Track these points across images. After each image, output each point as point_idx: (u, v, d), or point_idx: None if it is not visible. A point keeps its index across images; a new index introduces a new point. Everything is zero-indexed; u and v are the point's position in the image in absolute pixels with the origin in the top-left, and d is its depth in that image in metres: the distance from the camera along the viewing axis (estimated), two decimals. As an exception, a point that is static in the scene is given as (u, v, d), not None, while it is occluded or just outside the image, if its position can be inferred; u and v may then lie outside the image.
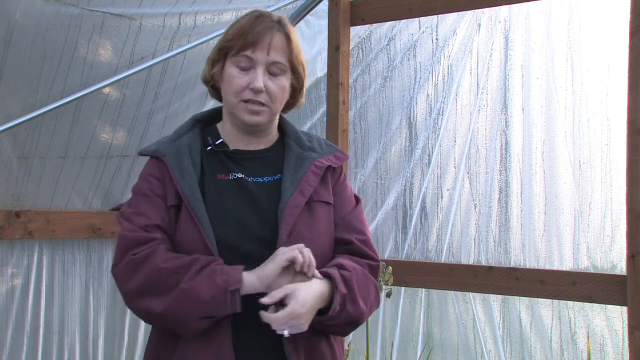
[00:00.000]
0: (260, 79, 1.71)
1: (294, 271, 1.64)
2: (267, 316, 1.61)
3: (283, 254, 1.62)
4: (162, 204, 1.72)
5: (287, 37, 1.75)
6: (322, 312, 1.67)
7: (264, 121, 1.76)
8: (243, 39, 1.73)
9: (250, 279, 1.62)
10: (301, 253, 1.62)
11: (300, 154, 1.79)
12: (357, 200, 1.87)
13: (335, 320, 1.67)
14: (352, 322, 1.72)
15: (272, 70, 1.74)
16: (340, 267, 1.72)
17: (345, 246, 1.78)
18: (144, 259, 1.64)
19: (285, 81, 1.76)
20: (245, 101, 1.72)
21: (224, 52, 1.77)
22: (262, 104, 1.73)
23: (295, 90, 1.83)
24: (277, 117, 1.84)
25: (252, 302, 1.66)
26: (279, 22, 1.76)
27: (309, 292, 1.63)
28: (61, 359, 3.06)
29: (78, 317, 3.12)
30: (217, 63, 1.79)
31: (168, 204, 1.72)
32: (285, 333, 1.61)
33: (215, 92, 1.85)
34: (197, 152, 1.77)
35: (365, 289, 1.74)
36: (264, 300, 1.61)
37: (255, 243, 1.67)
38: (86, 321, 3.15)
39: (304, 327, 1.63)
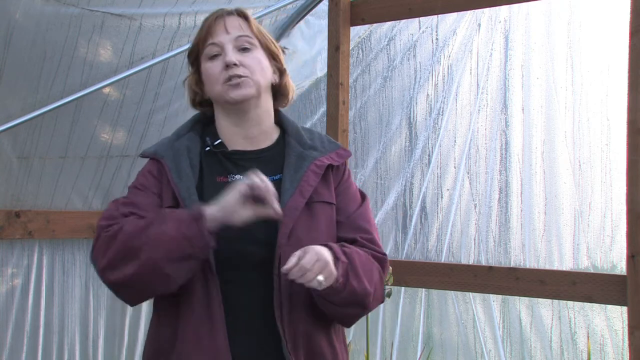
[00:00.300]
0: (230, 53, 1.72)
1: (253, 201, 1.61)
2: (292, 263, 1.56)
3: (242, 182, 1.61)
4: (156, 199, 1.72)
5: (242, 16, 1.78)
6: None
7: (250, 93, 1.73)
8: (202, 32, 1.77)
9: (212, 209, 1.60)
10: (260, 180, 1.60)
11: (300, 153, 1.77)
12: (363, 197, 1.84)
13: (340, 294, 1.63)
14: (358, 302, 1.68)
15: (240, 46, 1.74)
16: (341, 245, 1.70)
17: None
18: (115, 232, 1.63)
19: (258, 54, 1.76)
20: (226, 81, 1.72)
21: (194, 56, 1.79)
22: (241, 76, 1.72)
23: (279, 71, 1.82)
24: (269, 101, 1.82)
25: (252, 302, 1.66)
26: (229, 10, 1.79)
27: (321, 248, 1.60)
28: (61, 359, 3.06)
29: (78, 317, 3.12)
30: (194, 71, 1.81)
31: (164, 205, 1.71)
32: (323, 282, 1.56)
33: (207, 107, 1.84)
34: (196, 154, 1.76)
35: (369, 271, 1.71)
36: (284, 268, 1.57)
37: (254, 245, 1.67)
38: (86, 321, 3.15)
39: (333, 273, 1.59)
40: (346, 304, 1.67)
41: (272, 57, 1.80)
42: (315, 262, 1.56)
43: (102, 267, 1.65)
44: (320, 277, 1.56)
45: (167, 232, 1.58)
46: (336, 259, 1.62)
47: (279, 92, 1.84)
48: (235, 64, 1.71)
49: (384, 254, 1.79)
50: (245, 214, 1.60)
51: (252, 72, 1.73)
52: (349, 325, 1.82)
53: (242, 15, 1.79)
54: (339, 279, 1.61)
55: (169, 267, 1.58)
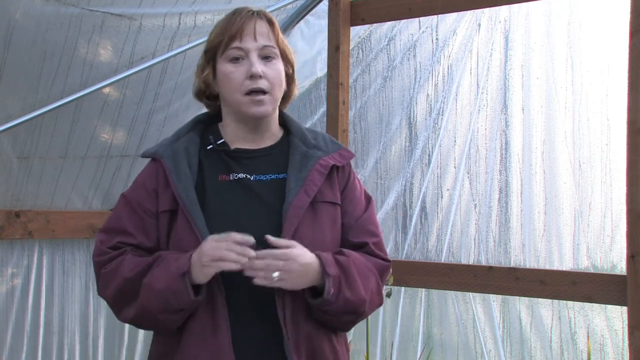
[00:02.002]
0: (256, 64, 1.71)
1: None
2: (280, 242, 1.61)
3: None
4: (146, 218, 1.73)
5: (270, 22, 1.76)
6: (318, 296, 1.66)
7: (269, 111, 1.75)
8: (228, 32, 1.73)
9: (194, 257, 1.62)
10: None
11: (305, 152, 1.77)
12: (369, 200, 1.85)
13: (333, 305, 1.65)
14: (352, 311, 1.70)
15: (264, 55, 1.73)
16: (338, 252, 1.71)
17: (359, 249, 1.77)
18: (112, 272, 1.70)
19: (280, 65, 1.76)
20: (248, 93, 1.71)
21: (211, 54, 1.77)
22: (264, 92, 1.72)
23: (288, 78, 1.82)
24: (277, 109, 1.82)
25: (255, 302, 1.66)
26: (258, 12, 1.77)
27: (306, 254, 1.64)
28: (61, 359, 3.06)
29: (78, 317, 3.12)
30: (206, 67, 1.78)
31: (161, 209, 1.72)
32: (275, 275, 1.59)
33: (212, 102, 1.84)
34: (195, 154, 1.76)
35: (366, 278, 1.72)
36: (269, 237, 1.61)
37: (257, 244, 1.66)
38: (86, 321, 3.15)
39: (295, 282, 1.62)
40: (340, 313, 1.69)
41: (286, 63, 1.80)
42: (282, 260, 1.60)
43: (110, 305, 1.77)
44: (275, 274, 1.60)
45: (155, 285, 1.62)
46: (326, 273, 1.64)
47: (285, 96, 1.84)
48: (260, 76, 1.71)
49: (389, 261, 1.81)
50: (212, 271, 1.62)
51: (273, 87, 1.73)
52: (345, 331, 1.84)
53: (270, 21, 1.77)
54: (329, 290, 1.64)
55: (162, 316, 1.64)
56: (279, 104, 1.80)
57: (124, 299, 1.69)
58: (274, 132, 1.83)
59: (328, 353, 1.72)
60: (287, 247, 1.62)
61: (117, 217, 1.76)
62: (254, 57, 1.71)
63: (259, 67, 1.70)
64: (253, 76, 1.70)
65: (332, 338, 1.76)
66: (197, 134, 1.81)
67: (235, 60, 1.72)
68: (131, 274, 1.66)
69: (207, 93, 1.82)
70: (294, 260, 1.61)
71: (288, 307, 1.66)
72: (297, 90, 1.89)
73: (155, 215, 1.73)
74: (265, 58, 1.73)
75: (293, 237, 1.66)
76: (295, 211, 1.68)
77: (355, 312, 1.71)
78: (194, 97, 1.86)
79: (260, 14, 1.76)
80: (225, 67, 1.73)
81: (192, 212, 1.66)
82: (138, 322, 1.72)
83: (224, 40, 1.73)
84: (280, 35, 1.78)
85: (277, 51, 1.75)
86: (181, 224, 1.68)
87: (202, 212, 1.67)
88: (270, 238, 1.61)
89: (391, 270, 2.67)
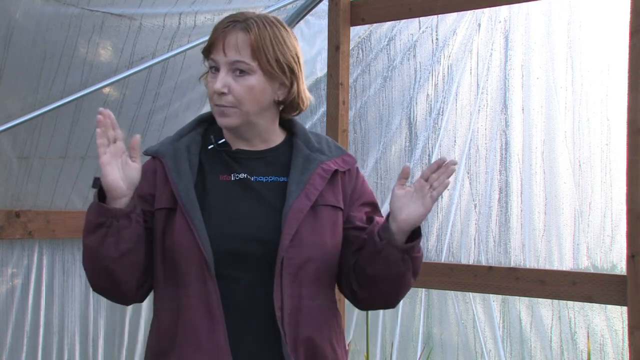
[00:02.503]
0: (219, 80, 1.68)
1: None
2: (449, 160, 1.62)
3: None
4: (149, 199, 1.72)
5: (247, 34, 1.67)
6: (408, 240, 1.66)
7: (235, 123, 1.71)
8: (209, 41, 1.72)
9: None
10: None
11: (308, 156, 1.76)
12: (375, 207, 1.85)
13: (418, 254, 1.66)
14: (416, 272, 1.70)
15: (235, 69, 1.68)
16: None
17: None
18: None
19: (253, 80, 1.69)
20: (216, 105, 1.70)
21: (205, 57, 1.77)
22: (229, 106, 1.69)
23: (285, 86, 1.75)
24: (272, 115, 1.78)
25: (252, 303, 1.66)
26: (242, 21, 1.69)
27: None
28: (61, 359, 3.06)
29: (78, 317, 3.12)
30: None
31: (157, 207, 1.71)
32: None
33: None
34: (196, 154, 1.75)
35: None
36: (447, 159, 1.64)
37: (255, 244, 1.65)
38: (86, 321, 3.15)
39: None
40: (414, 270, 1.68)
41: (281, 72, 1.72)
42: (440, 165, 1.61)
43: (87, 276, 1.77)
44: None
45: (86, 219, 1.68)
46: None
47: (287, 105, 1.79)
48: (223, 92, 1.67)
49: None
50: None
51: (240, 102, 1.68)
52: (393, 304, 1.81)
53: (246, 29, 1.68)
54: (420, 235, 1.65)
55: (87, 240, 1.68)
56: (257, 113, 1.73)
57: (85, 262, 1.73)
58: (269, 138, 1.79)
59: (327, 354, 1.72)
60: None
61: None
62: (222, 72, 1.68)
63: (220, 83, 1.67)
64: (215, 92, 1.68)
65: (332, 340, 1.75)
66: (199, 133, 1.81)
67: (212, 70, 1.72)
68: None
69: None
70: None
71: (286, 307, 1.65)
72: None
73: (151, 200, 1.72)
74: (238, 72, 1.68)
75: (293, 239, 1.66)
76: (295, 214, 1.67)
77: (416, 273, 1.70)
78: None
79: (240, 25, 1.68)
80: (207, 75, 1.75)
81: (191, 211, 1.66)
82: (90, 275, 1.72)
83: (206, 48, 1.73)
84: (262, 41, 1.68)
85: (251, 66, 1.68)
86: (179, 222, 1.67)
87: (201, 211, 1.67)
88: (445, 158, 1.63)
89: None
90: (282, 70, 1.71)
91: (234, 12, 1.77)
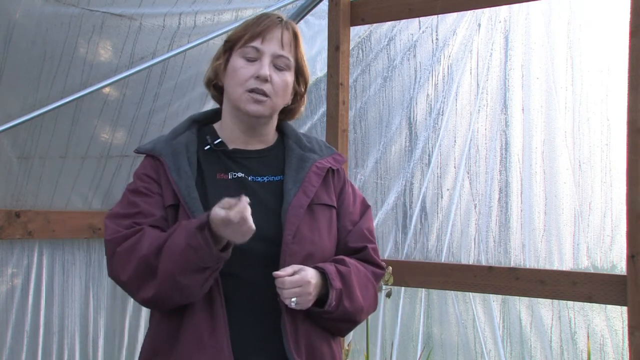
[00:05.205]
0: (266, 67, 1.73)
1: None
2: (281, 277, 1.62)
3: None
4: (160, 201, 1.71)
5: (295, 36, 1.79)
6: (319, 305, 1.69)
7: (266, 112, 1.75)
8: (252, 30, 1.75)
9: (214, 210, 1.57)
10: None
11: (301, 155, 1.80)
12: (367, 206, 1.88)
13: (333, 314, 1.69)
14: (349, 319, 1.74)
15: (277, 64, 1.75)
16: (339, 261, 1.73)
17: (357, 254, 1.80)
18: (129, 249, 1.63)
19: (289, 77, 1.77)
20: (250, 91, 1.73)
21: (230, 45, 1.78)
22: (265, 95, 1.73)
23: (297, 95, 1.84)
24: (276, 116, 1.84)
25: (254, 300, 1.66)
26: (287, 22, 1.80)
27: (313, 276, 1.66)
28: (61, 359, 3.06)
29: (78, 317, 3.12)
30: (222, 56, 1.80)
31: (166, 204, 1.71)
32: (293, 303, 1.63)
33: (218, 93, 1.85)
34: (194, 152, 1.76)
35: (365, 287, 1.76)
36: (276, 273, 1.62)
37: (258, 242, 1.65)
38: (86, 321, 3.15)
39: (309, 303, 1.65)
40: (338, 321, 1.73)
41: (300, 80, 1.82)
42: (297, 284, 1.62)
43: (124, 284, 1.66)
44: (294, 299, 1.63)
45: (177, 244, 1.57)
46: (331, 285, 1.67)
47: (292, 110, 1.87)
48: (266, 79, 1.72)
49: (383, 268, 1.86)
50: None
51: (276, 93, 1.75)
52: (341, 336, 1.88)
53: (295, 34, 1.80)
54: (331, 303, 1.67)
55: (184, 279, 1.57)
56: (277, 112, 1.81)
57: (142, 276, 1.61)
58: (269, 138, 1.84)
59: (326, 352, 1.74)
60: (297, 269, 1.64)
61: (128, 204, 1.72)
62: (266, 61, 1.73)
63: (268, 70, 1.73)
64: (259, 77, 1.72)
65: (330, 338, 1.78)
66: (194, 133, 1.82)
67: (249, 58, 1.74)
68: (151, 249, 1.60)
69: (214, 83, 1.83)
70: (308, 283, 1.64)
71: (288, 307, 1.66)
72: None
73: (163, 199, 1.71)
74: (277, 67, 1.75)
75: (294, 236, 1.67)
76: (295, 211, 1.69)
77: (352, 320, 1.76)
78: (204, 83, 1.87)
79: (288, 25, 1.79)
80: (237, 61, 1.75)
81: (194, 211, 1.66)
82: (158, 298, 1.62)
83: (244, 36, 1.75)
84: (302, 51, 1.81)
85: (291, 64, 1.77)
86: (182, 220, 1.68)
87: (203, 209, 1.67)
88: (278, 273, 1.63)
89: (391, 269, 2.70)
90: (304, 77, 1.82)
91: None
